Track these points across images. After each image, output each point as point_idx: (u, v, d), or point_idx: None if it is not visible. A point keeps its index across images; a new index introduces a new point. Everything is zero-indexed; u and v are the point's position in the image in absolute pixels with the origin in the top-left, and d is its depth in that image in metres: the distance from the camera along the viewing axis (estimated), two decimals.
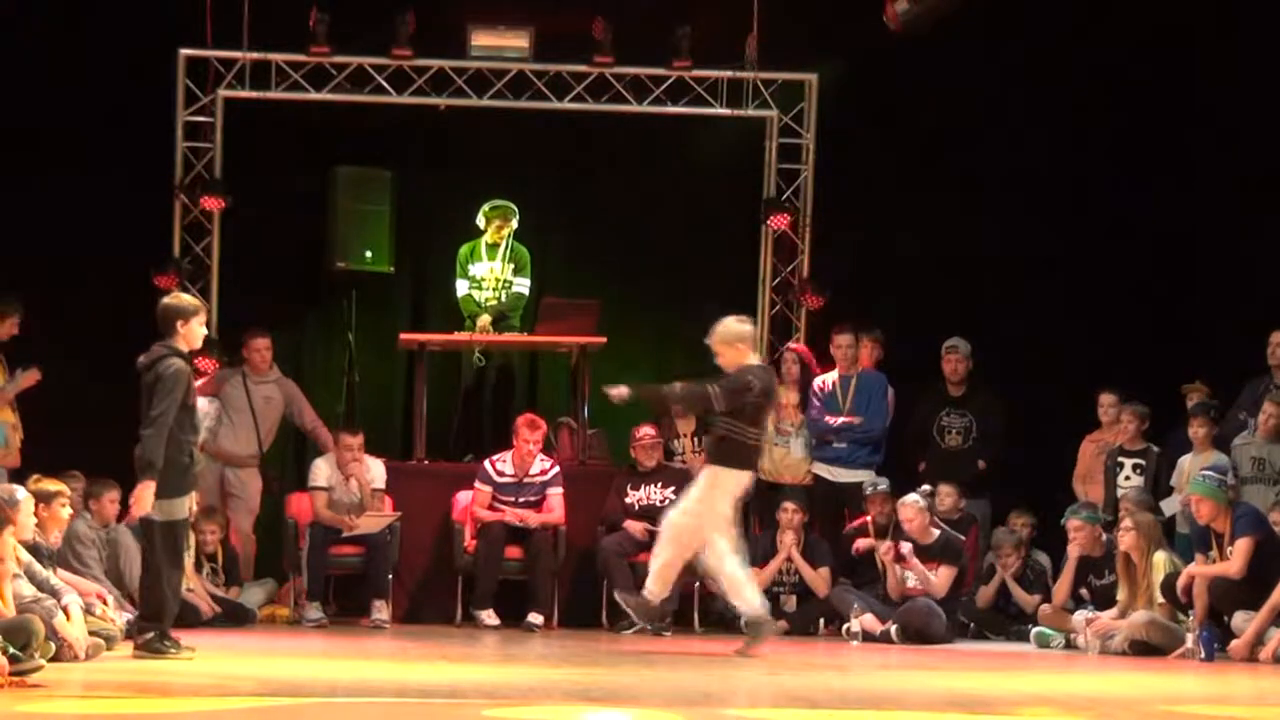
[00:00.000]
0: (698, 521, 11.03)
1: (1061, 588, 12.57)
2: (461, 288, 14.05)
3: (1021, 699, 8.75)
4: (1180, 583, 11.62)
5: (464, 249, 14.08)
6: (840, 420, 13.62)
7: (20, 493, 9.99)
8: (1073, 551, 12.58)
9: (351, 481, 13.15)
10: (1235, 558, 11.45)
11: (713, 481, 11.03)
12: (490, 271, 14.00)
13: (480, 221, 14.02)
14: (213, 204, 14.31)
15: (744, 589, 11.10)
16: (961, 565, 12.74)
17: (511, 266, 14.01)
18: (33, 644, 8.79)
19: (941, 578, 12.60)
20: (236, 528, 13.35)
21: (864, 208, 14.53)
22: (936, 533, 12.73)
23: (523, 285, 14.05)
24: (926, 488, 12.97)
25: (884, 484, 13.31)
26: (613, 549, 13.10)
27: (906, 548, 12.56)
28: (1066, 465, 13.60)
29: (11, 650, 8.47)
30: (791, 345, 14.45)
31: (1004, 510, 13.55)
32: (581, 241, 15.02)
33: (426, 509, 13.40)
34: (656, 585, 11.23)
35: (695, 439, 14.07)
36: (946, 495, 13.33)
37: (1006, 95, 14.40)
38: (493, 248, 14.02)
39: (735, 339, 11.05)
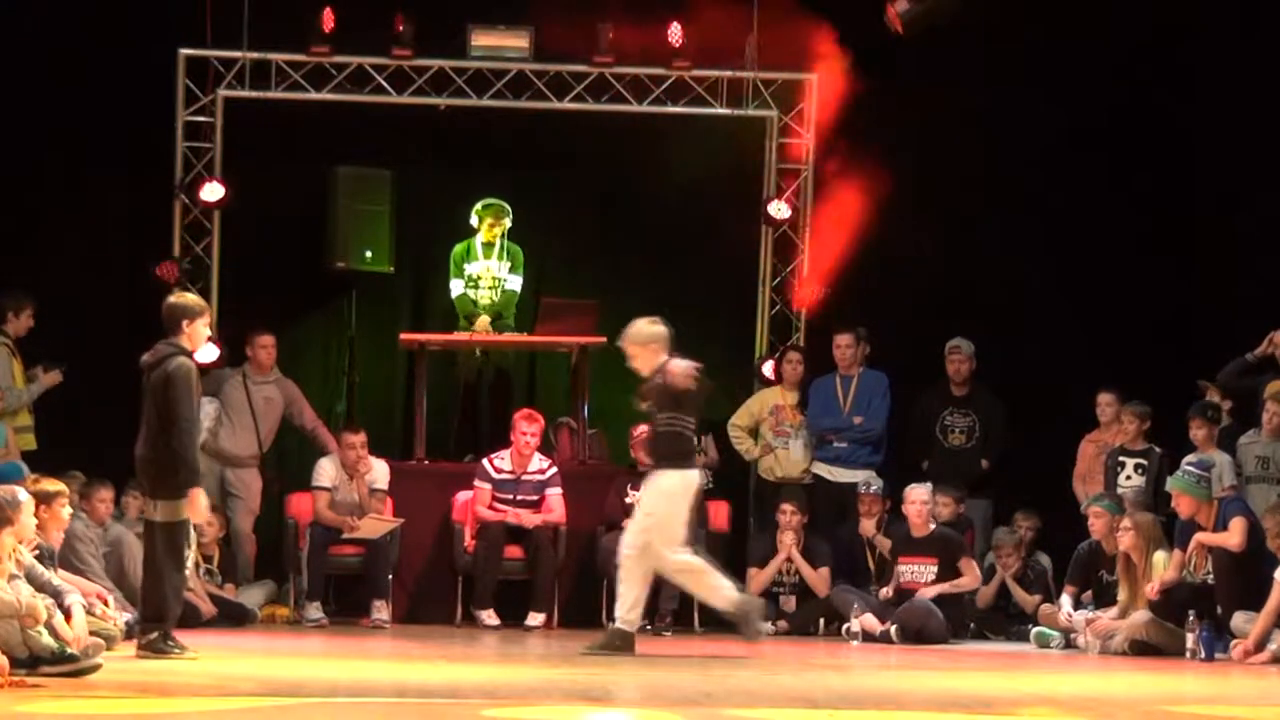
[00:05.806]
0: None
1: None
2: (456, 287, 14.05)
3: (1021, 699, 8.75)
4: (1192, 544, 11.64)
5: (458, 248, 14.08)
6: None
7: (22, 495, 9.96)
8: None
9: (355, 482, 13.15)
10: (1233, 532, 11.50)
11: (670, 485, 10.69)
12: (486, 270, 14.00)
13: (474, 220, 14.03)
14: (210, 197, 14.20)
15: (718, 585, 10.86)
16: (964, 555, 12.74)
17: (507, 264, 14.02)
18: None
19: (966, 574, 12.66)
20: (236, 528, 13.35)
21: (863, 207, 14.52)
22: (933, 527, 12.74)
23: (515, 283, 14.06)
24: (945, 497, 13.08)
25: (878, 484, 13.32)
26: (613, 549, 13.04)
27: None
28: (1068, 465, 13.60)
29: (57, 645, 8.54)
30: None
31: (1006, 510, 13.55)
32: (581, 241, 15.01)
33: (426, 509, 13.41)
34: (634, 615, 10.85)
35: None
36: (944, 505, 13.26)
37: (1006, 94, 14.38)
38: (488, 246, 14.02)
39: (650, 340, 10.81)
